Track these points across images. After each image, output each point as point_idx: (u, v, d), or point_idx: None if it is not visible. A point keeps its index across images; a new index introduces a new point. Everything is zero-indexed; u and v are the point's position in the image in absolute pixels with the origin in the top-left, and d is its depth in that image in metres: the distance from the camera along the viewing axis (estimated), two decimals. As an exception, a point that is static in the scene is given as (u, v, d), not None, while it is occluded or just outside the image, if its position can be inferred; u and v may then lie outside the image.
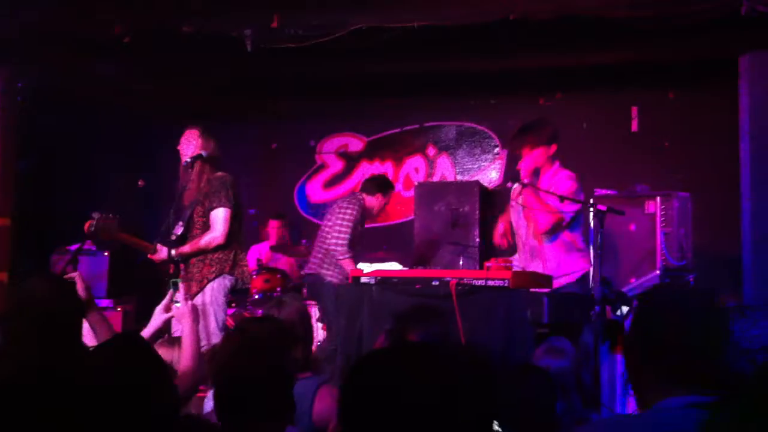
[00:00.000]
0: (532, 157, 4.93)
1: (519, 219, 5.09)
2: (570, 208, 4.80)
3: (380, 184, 6.66)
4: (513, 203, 5.13)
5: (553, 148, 4.96)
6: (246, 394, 2.19)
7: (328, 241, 6.32)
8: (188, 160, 5.16)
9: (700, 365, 1.80)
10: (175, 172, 5.36)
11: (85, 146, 7.82)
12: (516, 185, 5.06)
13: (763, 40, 5.04)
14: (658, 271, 5.81)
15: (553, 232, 4.87)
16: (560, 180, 4.90)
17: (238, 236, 5.20)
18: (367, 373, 1.50)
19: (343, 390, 1.50)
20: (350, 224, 6.26)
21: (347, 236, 6.23)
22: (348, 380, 1.51)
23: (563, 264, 4.87)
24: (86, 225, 4.85)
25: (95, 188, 7.80)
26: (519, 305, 4.23)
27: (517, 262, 4.98)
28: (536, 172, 4.98)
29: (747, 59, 4.61)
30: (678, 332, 1.83)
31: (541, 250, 4.95)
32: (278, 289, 7.14)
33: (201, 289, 4.98)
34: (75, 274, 3.43)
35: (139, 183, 6.05)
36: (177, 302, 3.42)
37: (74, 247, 6.81)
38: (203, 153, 5.13)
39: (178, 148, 5.26)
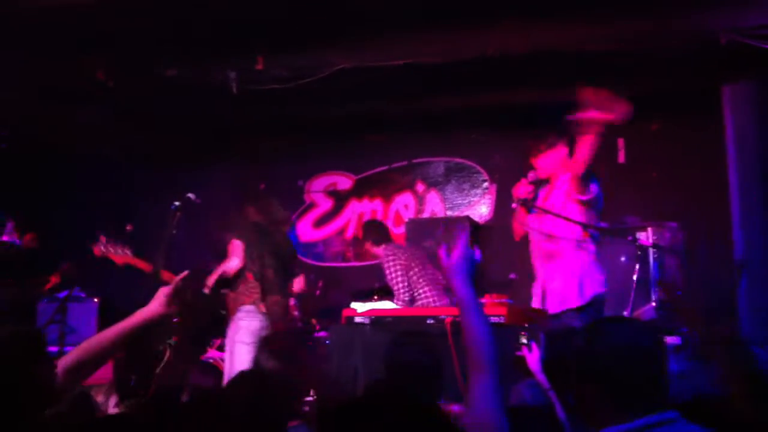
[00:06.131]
0: (547, 161, 4.87)
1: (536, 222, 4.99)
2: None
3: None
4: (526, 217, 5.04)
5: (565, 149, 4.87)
6: None
7: None
8: (176, 203, 5.21)
9: (644, 394, 1.99)
10: (160, 216, 5.38)
11: (67, 193, 7.79)
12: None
13: (744, 69, 5.08)
14: (653, 303, 5.75)
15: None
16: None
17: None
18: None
19: None
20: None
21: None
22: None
23: (586, 279, 4.76)
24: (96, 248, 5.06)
25: (79, 236, 7.75)
26: (514, 343, 4.18)
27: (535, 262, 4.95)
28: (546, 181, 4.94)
29: (729, 89, 4.64)
30: (627, 364, 2.01)
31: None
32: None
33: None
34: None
35: (127, 227, 6.04)
36: None
37: (63, 294, 6.76)
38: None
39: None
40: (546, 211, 4.82)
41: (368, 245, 6.58)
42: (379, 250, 6.44)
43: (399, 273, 6.21)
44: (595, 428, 2.01)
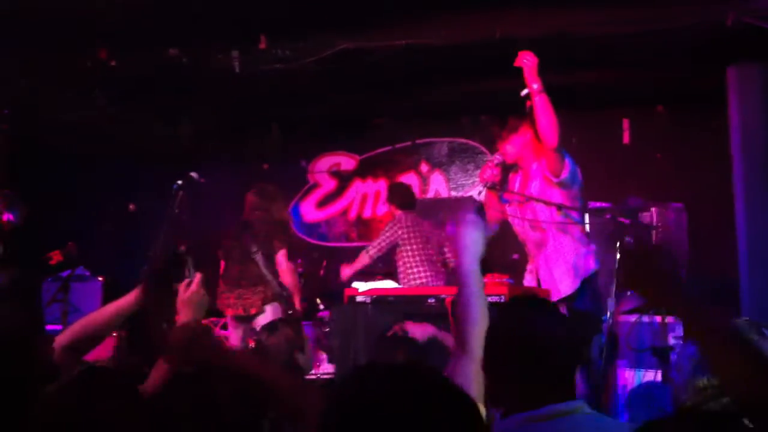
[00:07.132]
0: (513, 145, 4.80)
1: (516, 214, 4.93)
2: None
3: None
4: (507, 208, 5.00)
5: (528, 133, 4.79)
6: None
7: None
8: (179, 182, 5.27)
9: (551, 383, 1.89)
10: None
11: (74, 188, 7.81)
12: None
13: (750, 50, 5.04)
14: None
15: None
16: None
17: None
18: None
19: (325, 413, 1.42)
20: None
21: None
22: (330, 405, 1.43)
23: (579, 262, 4.71)
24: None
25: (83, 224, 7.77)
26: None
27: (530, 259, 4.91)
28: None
29: (735, 71, 4.60)
30: (538, 351, 1.91)
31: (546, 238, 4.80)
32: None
33: None
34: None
35: (130, 207, 6.06)
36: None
37: (66, 273, 6.78)
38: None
39: None
40: (526, 197, 4.74)
41: (393, 208, 6.59)
42: (399, 214, 6.46)
43: (387, 241, 6.29)
44: (501, 413, 1.93)
